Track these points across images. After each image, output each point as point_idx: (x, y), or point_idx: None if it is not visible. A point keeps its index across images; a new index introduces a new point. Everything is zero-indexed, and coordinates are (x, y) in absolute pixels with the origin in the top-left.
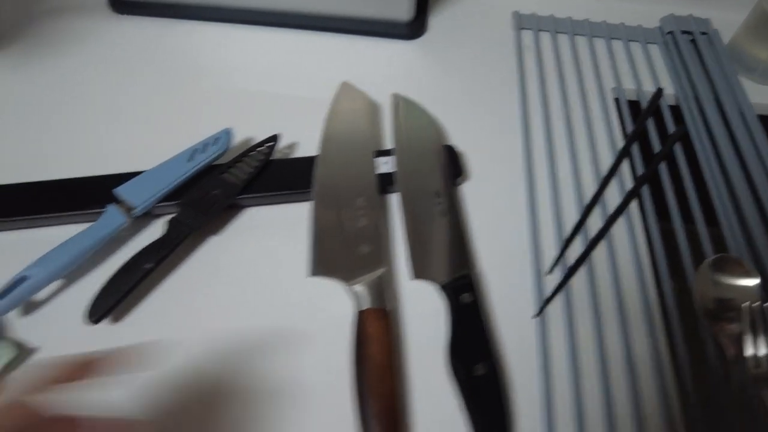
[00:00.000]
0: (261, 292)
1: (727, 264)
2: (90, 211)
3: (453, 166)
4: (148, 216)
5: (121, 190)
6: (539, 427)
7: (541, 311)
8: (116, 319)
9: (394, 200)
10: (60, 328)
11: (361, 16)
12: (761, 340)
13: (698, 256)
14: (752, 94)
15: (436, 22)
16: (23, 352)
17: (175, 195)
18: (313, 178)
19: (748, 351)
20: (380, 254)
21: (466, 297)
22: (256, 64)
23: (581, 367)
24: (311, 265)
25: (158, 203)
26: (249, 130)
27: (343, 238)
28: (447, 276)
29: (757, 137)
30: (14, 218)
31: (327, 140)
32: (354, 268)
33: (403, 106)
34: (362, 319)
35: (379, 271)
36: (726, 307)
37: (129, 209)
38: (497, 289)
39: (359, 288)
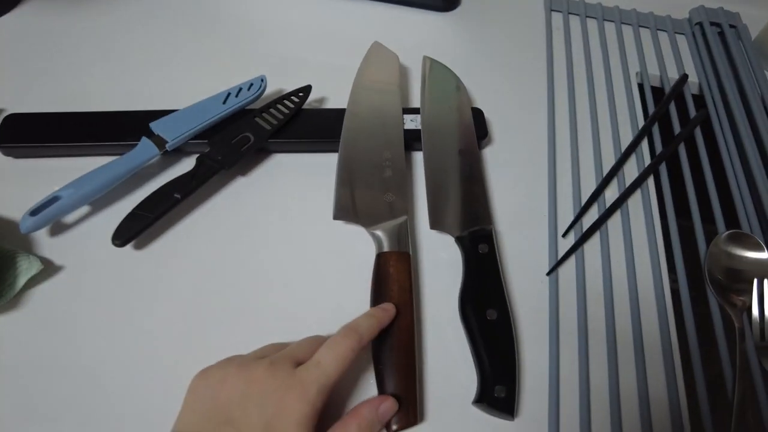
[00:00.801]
0: (284, 234)
1: (741, 239)
2: (125, 142)
3: (479, 127)
4: (178, 153)
5: (156, 125)
6: (545, 379)
7: (553, 269)
8: (139, 246)
9: (418, 157)
10: (85, 250)
11: None
12: None
13: (711, 232)
14: None
15: None
16: (48, 268)
17: (206, 134)
18: (342, 129)
19: (756, 323)
20: (402, 204)
21: (482, 247)
22: (294, 25)
23: (590, 326)
24: (335, 208)
25: (190, 140)
26: (282, 83)
27: (367, 186)
28: (464, 228)
29: None
30: (54, 144)
31: (356, 93)
32: (376, 215)
33: (433, 66)
34: (382, 260)
35: (401, 219)
36: (736, 279)
37: (162, 143)
38: (513, 246)
39: (380, 232)
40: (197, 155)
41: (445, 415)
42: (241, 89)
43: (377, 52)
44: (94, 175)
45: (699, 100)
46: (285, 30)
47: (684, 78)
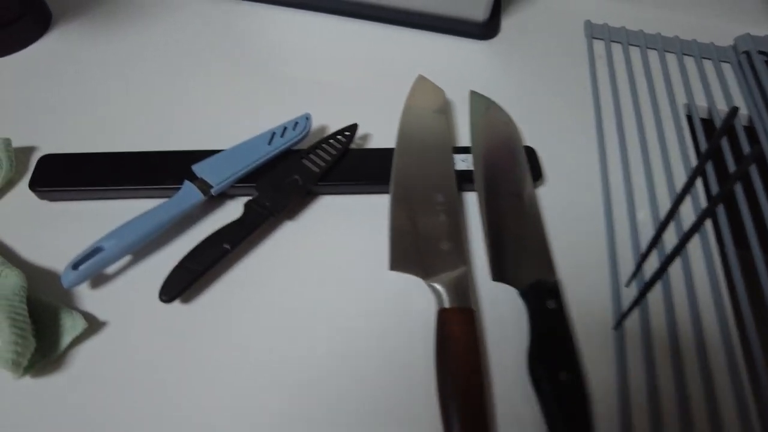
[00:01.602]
0: (336, 282)
1: None
2: (166, 186)
3: (532, 167)
4: (222, 196)
5: (199, 168)
6: None
7: (620, 323)
8: (186, 299)
9: (470, 199)
10: (130, 304)
11: (438, 13)
12: None
13: None
14: None
15: (508, 24)
16: (92, 325)
17: (251, 177)
18: (391, 170)
19: None
20: (461, 252)
21: (551, 303)
22: (333, 54)
23: (659, 382)
24: (391, 258)
25: (235, 184)
26: (324, 118)
27: (422, 233)
28: (529, 280)
29: None
30: (92, 188)
31: (404, 132)
32: (434, 265)
33: (482, 103)
34: (445, 317)
35: (460, 269)
36: None
37: (206, 187)
38: (575, 298)
39: (439, 286)
40: (244, 199)
41: None
42: (286, 128)
43: (422, 86)
44: (136, 224)
45: (749, 131)
46: (325, 58)
47: (734, 111)
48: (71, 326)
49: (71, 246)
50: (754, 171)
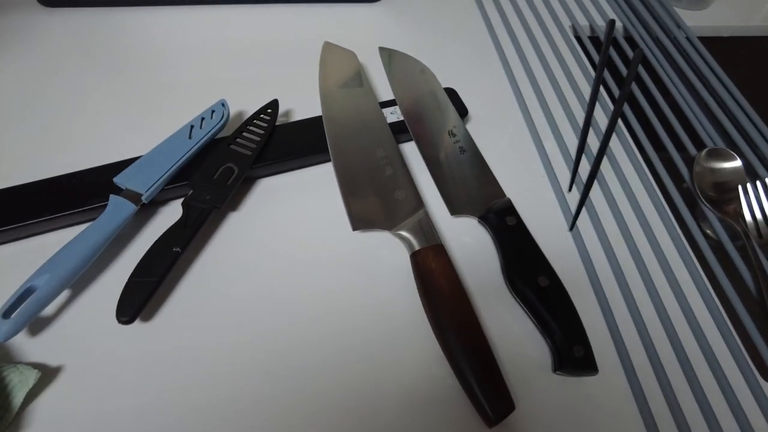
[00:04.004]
0: (301, 259)
1: (717, 154)
2: (90, 206)
3: (457, 106)
4: (153, 204)
5: (123, 178)
6: (602, 326)
7: (574, 223)
8: (146, 317)
9: (407, 148)
10: (82, 338)
11: None
12: (765, 214)
13: (686, 159)
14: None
15: None
16: (47, 374)
17: (180, 176)
18: (327, 138)
19: (750, 224)
20: (415, 197)
21: (509, 219)
22: (230, 44)
23: (622, 266)
24: (352, 220)
25: (165, 186)
26: (239, 105)
27: (375, 189)
28: (484, 206)
29: (704, 56)
30: (5, 227)
31: (327, 98)
32: (395, 215)
33: (392, 55)
34: (419, 258)
35: (420, 213)
36: (723, 190)
37: (135, 197)
38: (528, 214)
39: (405, 232)
40: (178, 201)
41: (531, 391)
42: (203, 119)
43: (331, 52)
44: (68, 252)
45: (630, 41)
46: (215, 49)
47: (612, 23)
48: (21, 381)
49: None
50: (643, 73)
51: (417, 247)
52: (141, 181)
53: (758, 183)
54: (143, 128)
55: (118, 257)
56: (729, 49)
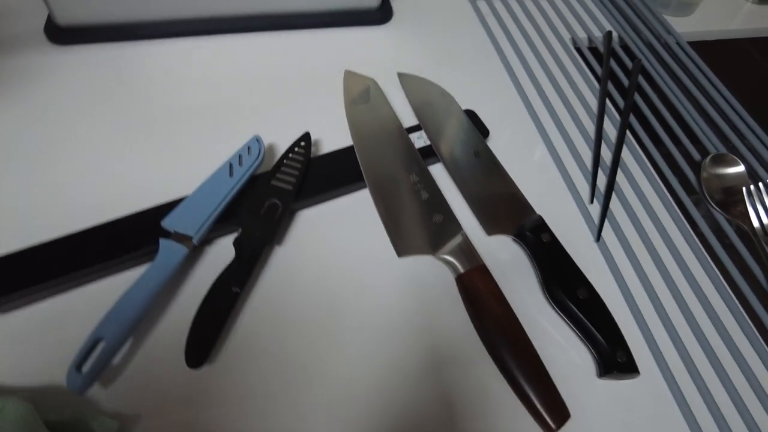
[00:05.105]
0: (350, 287)
1: (719, 160)
2: (136, 253)
3: (479, 127)
4: (200, 245)
5: (170, 221)
6: (635, 329)
7: (599, 234)
8: (212, 358)
9: (436, 170)
10: (153, 385)
11: (332, 9)
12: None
13: (693, 164)
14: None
15: (398, 4)
16: (126, 423)
17: (226, 215)
18: (361, 167)
19: (756, 224)
20: (453, 220)
21: (545, 236)
22: (240, 73)
23: (646, 270)
24: (396, 247)
25: (213, 226)
26: (268, 138)
27: (413, 215)
28: (517, 224)
29: (696, 60)
30: (54, 279)
31: (356, 128)
32: (436, 239)
33: (411, 80)
34: (465, 280)
35: (460, 236)
36: (730, 193)
37: (185, 239)
38: (554, 225)
39: (448, 256)
40: (225, 242)
41: (580, 397)
42: (241, 156)
43: (353, 80)
44: (128, 301)
45: (626, 49)
46: (234, 79)
47: (609, 35)
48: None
49: (63, 348)
50: (643, 83)
51: (461, 269)
52: (189, 224)
53: (760, 184)
54: (174, 167)
55: (173, 300)
56: (715, 52)
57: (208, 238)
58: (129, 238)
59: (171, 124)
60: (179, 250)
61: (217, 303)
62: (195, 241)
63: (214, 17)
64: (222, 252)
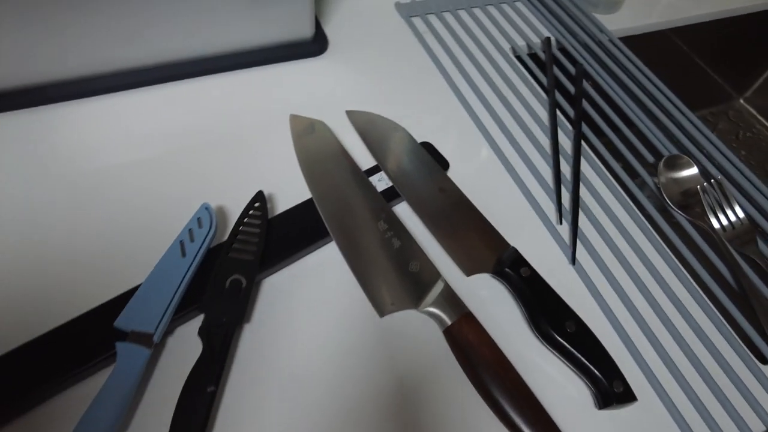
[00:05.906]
0: (330, 355)
1: (673, 163)
2: (88, 365)
3: (438, 160)
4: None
5: (124, 321)
6: (625, 355)
7: (573, 256)
8: None
9: (400, 209)
10: None
11: (263, 45)
12: (723, 209)
13: (646, 164)
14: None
15: (332, 32)
16: None
17: (185, 300)
18: (324, 221)
19: (715, 222)
20: (431, 267)
21: (524, 270)
22: (172, 129)
23: (625, 289)
24: (376, 306)
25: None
26: (213, 200)
27: (388, 267)
28: (494, 261)
29: (629, 56)
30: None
31: (312, 179)
32: (416, 290)
33: (361, 118)
34: (455, 332)
35: (441, 283)
36: (688, 194)
37: (145, 338)
38: (528, 253)
39: (434, 309)
40: (188, 329)
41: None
42: (191, 230)
43: (299, 125)
44: (93, 414)
45: (563, 51)
46: (169, 137)
47: (548, 41)
48: None
49: None
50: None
51: (448, 321)
52: (146, 319)
53: (712, 181)
54: (116, 251)
55: (136, 407)
56: (643, 45)
57: (168, 329)
58: (74, 350)
59: (103, 200)
60: (140, 353)
61: (192, 407)
62: (156, 338)
63: (133, 69)
64: (186, 342)
